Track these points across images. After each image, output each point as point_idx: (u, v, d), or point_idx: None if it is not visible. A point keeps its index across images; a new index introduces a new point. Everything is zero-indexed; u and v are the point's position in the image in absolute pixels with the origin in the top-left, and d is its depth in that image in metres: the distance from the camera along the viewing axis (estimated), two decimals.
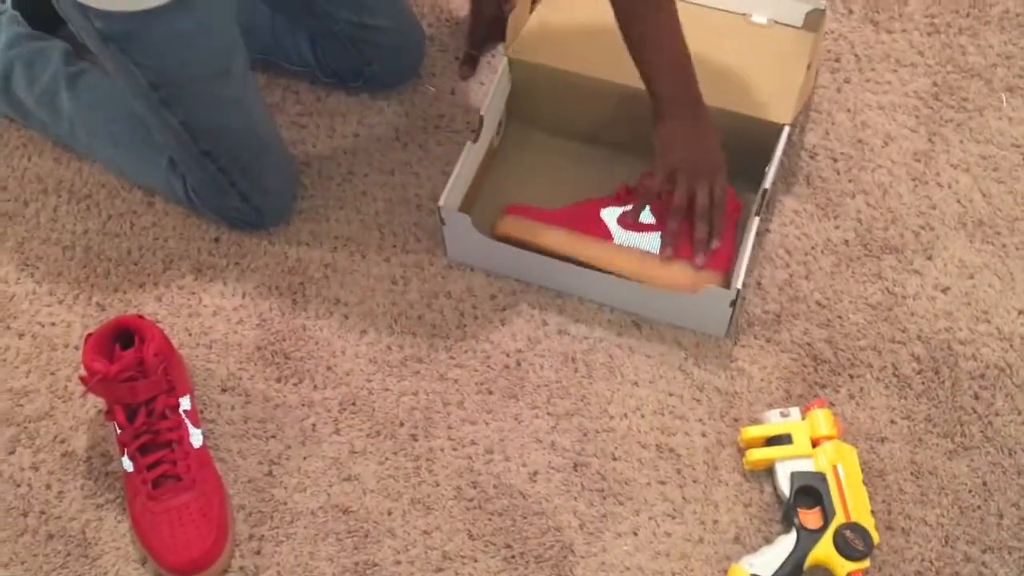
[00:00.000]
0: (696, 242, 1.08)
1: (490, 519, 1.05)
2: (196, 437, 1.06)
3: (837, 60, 1.31)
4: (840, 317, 1.14)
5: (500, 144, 1.26)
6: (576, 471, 1.07)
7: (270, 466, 1.08)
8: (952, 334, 1.12)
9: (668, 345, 1.13)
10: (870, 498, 1.03)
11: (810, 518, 1.00)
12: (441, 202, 1.11)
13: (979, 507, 1.03)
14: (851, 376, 1.11)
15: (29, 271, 1.22)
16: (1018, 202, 1.21)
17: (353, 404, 1.11)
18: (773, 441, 1.04)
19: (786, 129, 1.12)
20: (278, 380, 1.13)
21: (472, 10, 1.32)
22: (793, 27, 1.21)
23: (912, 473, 1.05)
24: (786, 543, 0.99)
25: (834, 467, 1.02)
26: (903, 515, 1.03)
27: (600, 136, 1.24)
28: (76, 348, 1.16)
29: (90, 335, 1.03)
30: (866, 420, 1.08)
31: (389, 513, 1.05)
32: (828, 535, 0.99)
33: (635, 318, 1.14)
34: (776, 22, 1.22)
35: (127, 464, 1.03)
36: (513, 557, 1.03)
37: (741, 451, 1.07)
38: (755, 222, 1.08)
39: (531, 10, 1.24)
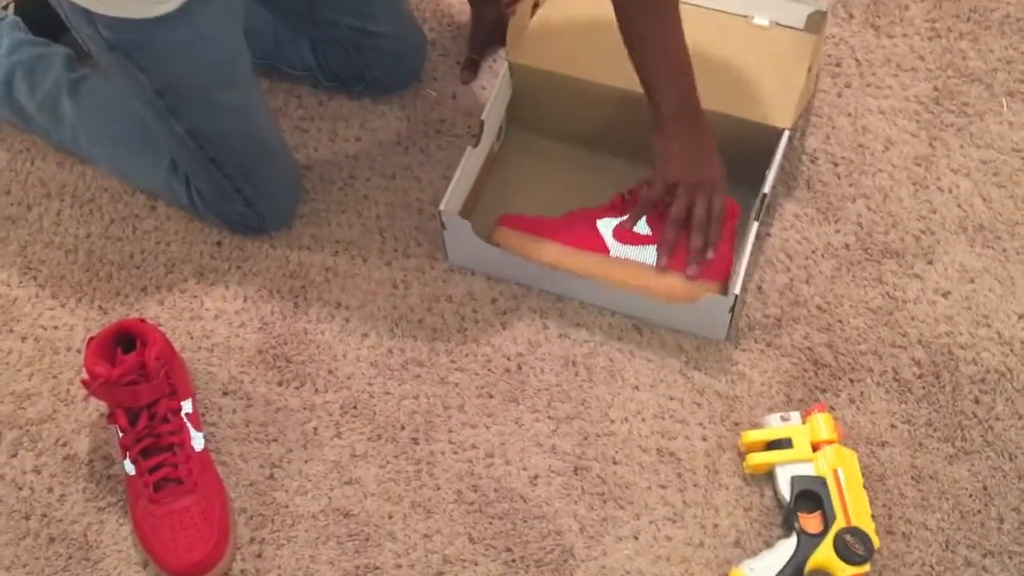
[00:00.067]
0: (691, 253, 1.08)
1: (491, 523, 1.05)
2: (198, 440, 1.06)
3: (838, 64, 1.31)
4: (841, 321, 1.14)
5: (501, 148, 1.26)
6: (577, 475, 1.07)
7: (271, 469, 1.09)
8: (953, 338, 1.12)
9: (669, 349, 1.13)
10: (871, 502, 1.03)
11: (810, 522, 1.00)
12: (442, 207, 1.12)
13: (980, 511, 1.03)
14: (852, 380, 1.11)
15: (32, 275, 1.22)
16: (1018, 207, 1.21)
17: (354, 408, 1.12)
18: (773, 445, 1.04)
19: (786, 133, 1.12)
20: (279, 384, 1.13)
21: (473, 15, 1.33)
22: (795, 29, 1.21)
23: (913, 477, 1.05)
24: (786, 547, 0.99)
25: (835, 471, 1.02)
26: (904, 519, 1.03)
27: (601, 140, 1.24)
28: (78, 351, 1.16)
29: (92, 339, 1.03)
30: (867, 424, 1.08)
31: (390, 517, 1.06)
32: (828, 539, 0.99)
33: (636, 322, 1.15)
34: (778, 24, 1.22)
35: (129, 467, 1.04)
36: (514, 561, 1.03)
37: (742, 455, 1.07)
38: (754, 227, 1.09)
39: (532, 14, 1.24)
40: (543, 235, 1.12)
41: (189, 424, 1.06)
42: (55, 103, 1.24)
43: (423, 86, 1.32)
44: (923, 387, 1.10)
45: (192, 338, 1.16)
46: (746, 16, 1.22)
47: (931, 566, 1.01)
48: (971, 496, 1.04)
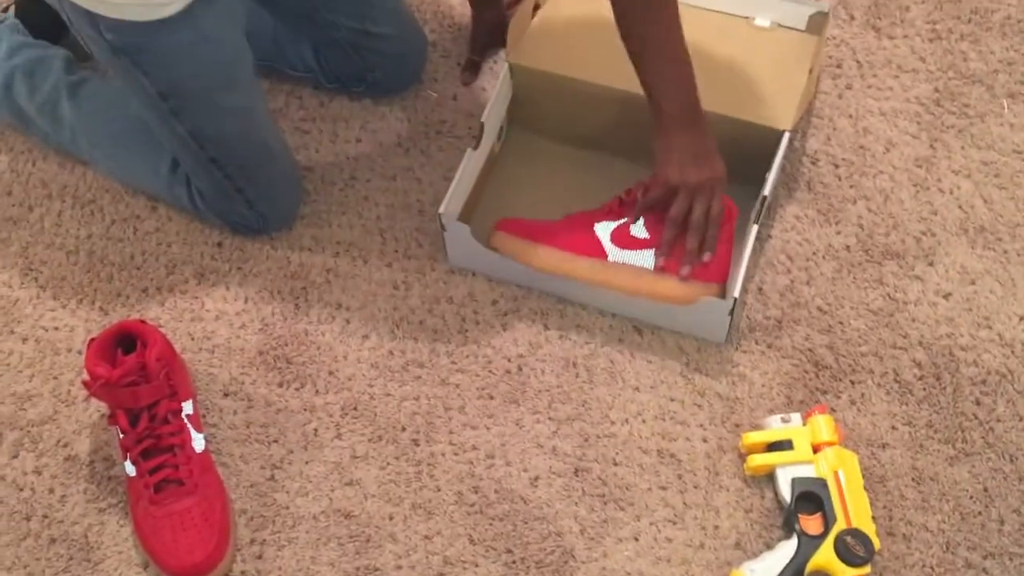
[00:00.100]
0: (686, 253, 1.07)
1: (491, 524, 1.05)
2: (198, 442, 1.06)
3: (839, 66, 1.31)
4: (841, 323, 1.14)
5: (501, 150, 1.26)
6: (577, 476, 1.07)
7: (272, 471, 1.09)
8: (953, 340, 1.12)
9: (669, 351, 1.13)
10: (871, 504, 1.03)
11: (811, 524, 1.00)
12: (441, 209, 1.12)
13: (980, 513, 1.03)
14: (852, 382, 1.11)
15: (33, 275, 1.22)
16: (1019, 208, 1.21)
17: (355, 409, 1.12)
18: (774, 447, 1.04)
19: (787, 135, 1.12)
20: (280, 385, 1.13)
21: (474, 16, 1.33)
22: (796, 30, 1.21)
23: (913, 479, 1.05)
24: (787, 549, 0.99)
25: (835, 473, 1.02)
26: (904, 521, 1.03)
27: (601, 142, 1.24)
28: (79, 353, 1.16)
29: (93, 340, 1.03)
30: (867, 426, 1.08)
31: (390, 518, 1.06)
32: (829, 541, 0.99)
33: (636, 324, 1.15)
34: (779, 25, 1.22)
35: (129, 468, 1.04)
36: (514, 562, 1.03)
37: (742, 457, 1.07)
38: (754, 230, 1.09)
39: (532, 16, 1.24)
40: (540, 240, 1.12)
41: (190, 425, 1.06)
42: (55, 106, 1.24)
43: (424, 87, 1.33)
44: (924, 389, 1.10)
45: (193, 339, 1.16)
46: (747, 17, 1.23)
47: (932, 568, 1.01)
48: (972, 498, 1.04)
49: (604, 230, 1.11)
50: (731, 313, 1.07)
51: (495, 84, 1.21)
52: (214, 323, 1.18)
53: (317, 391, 1.13)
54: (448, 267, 1.20)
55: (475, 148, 1.16)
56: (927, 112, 1.27)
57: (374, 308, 1.18)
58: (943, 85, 1.29)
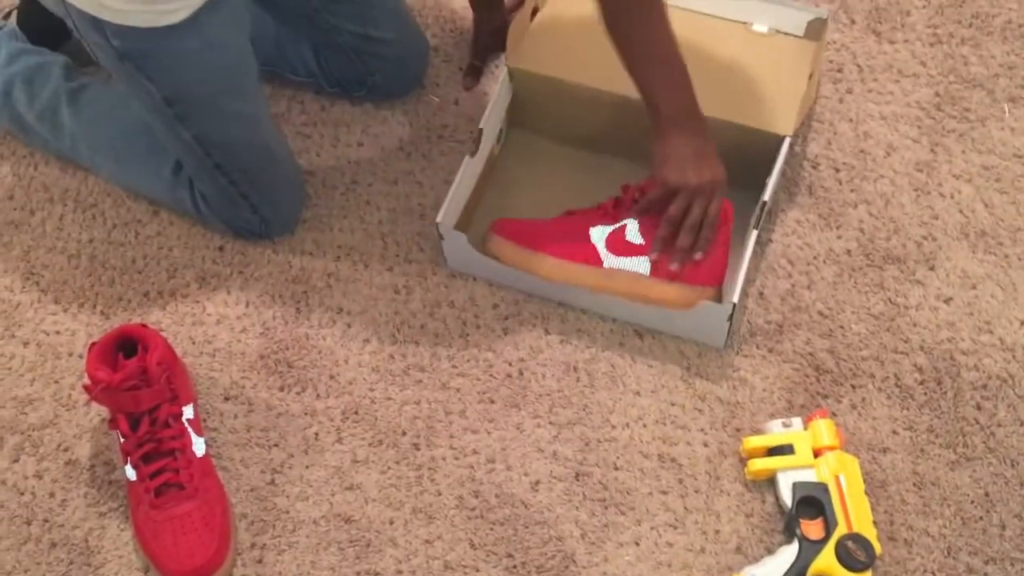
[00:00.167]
0: (677, 250, 1.06)
1: (492, 528, 1.05)
2: (199, 446, 1.06)
3: (839, 70, 1.31)
4: (842, 327, 1.14)
5: (501, 153, 1.26)
6: (578, 481, 1.07)
7: (272, 475, 1.09)
8: (954, 344, 1.12)
9: (670, 355, 1.13)
10: (872, 509, 1.03)
11: (812, 529, 1.00)
12: (439, 218, 1.11)
13: (981, 518, 1.03)
14: (853, 386, 1.11)
15: (34, 279, 1.22)
16: (1020, 212, 1.21)
17: (355, 413, 1.12)
18: (775, 451, 1.04)
19: (787, 140, 1.13)
20: (281, 389, 1.13)
21: (475, 20, 1.33)
22: (795, 36, 1.21)
23: (914, 484, 1.05)
24: (788, 553, 0.99)
25: (836, 477, 1.02)
26: (905, 526, 1.03)
27: (600, 144, 1.24)
28: (80, 357, 1.16)
29: (94, 344, 1.03)
30: (868, 430, 1.08)
31: (391, 522, 1.06)
32: (830, 546, 0.99)
33: (637, 328, 1.15)
34: (777, 31, 1.22)
35: (130, 473, 1.04)
36: (515, 567, 1.03)
37: (743, 461, 1.07)
38: (754, 234, 1.08)
39: (531, 20, 1.24)
40: (536, 247, 1.12)
41: (190, 429, 1.06)
42: (54, 112, 1.24)
43: (425, 92, 1.33)
44: (925, 393, 1.10)
45: (194, 343, 1.17)
46: (745, 23, 1.23)
47: (933, 573, 1.01)
48: (973, 502, 1.04)
49: (599, 236, 1.10)
50: (730, 318, 1.07)
51: (495, 88, 1.21)
52: (215, 327, 1.18)
53: (318, 395, 1.13)
54: (449, 271, 1.20)
55: (473, 154, 1.16)
56: (928, 116, 1.28)
57: (375, 312, 1.18)
58: (944, 89, 1.29)
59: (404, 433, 1.10)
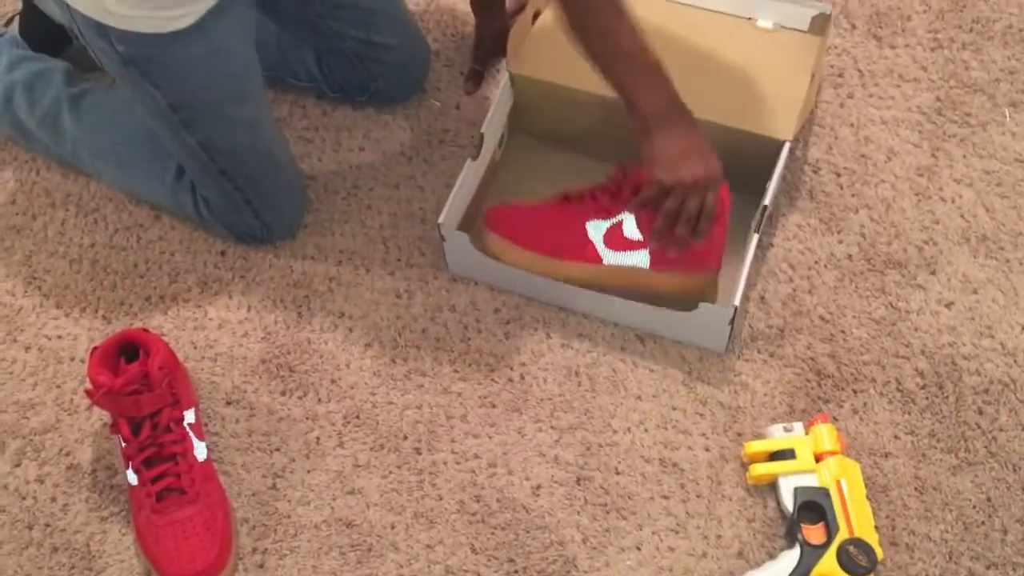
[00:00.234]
0: (677, 239, 1.05)
1: (493, 533, 1.05)
2: (200, 450, 1.06)
3: (840, 75, 1.32)
4: (843, 332, 1.14)
5: (502, 158, 1.26)
6: (579, 485, 1.07)
7: (274, 479, 1.09)
8: (956, 349, 1.12)
9: (671, 359, 1.13)
10: (874, 513, 1.02)
11: (814, 533, 1.00)
12: (441, 220, 1.12)
13: (983, 523, 1.03)
14: (854, 391, 1.11)
15: (36, 284, 1.22)
16: (1022, 217, 1.21)
17: (357, 417, 1.12)
18: (776, 456, 1.04)
19: (787, 145, 1.13)
20: (282, 393, 1.14)
21: (477, 25, 1.33)
22: (799, 31, 1.21)
23: (916, 488, 1.05)
24: (789, 558, 0.99)
25: (838, 482, 1.02)
26: (907, 531, 1.03)
27: (601, 149, 1.24)
28: (82, 361, 1.16)
29: (95, 348, 1.03)
30: (870, 435, 1.08)
31: (392, 527, 1.06)
32: (832, 551, 0.99)
33: (638, 332, 1.15)
34: (782, 26, 1.21)
35: (131, 477, 1.04)
36: (516, 572, 1.03)
37: (744, 466, 1.07)
38: (754, 238, 1.09)
39: (532, 24, 1.25)
40: (534, 248, 1.12)
41: (192, 434, 1.06)
42: (56, 118, 1.24)
43: (427, 96, 1.33)
44: (926, 398, 1.10)
45: (195, 348, 1.17)
46: (750, 18, 1.22)
47: None
48: (975, 507, 1.04)
49: (596, 231, 1.10)
50: (731, 322, 1.07)
51: (497, 93, 1.21)
52: (217, 332, 1.18)
53: (319, 399, 1.13)
54: (450, 275, 1.20)
55: (474, 158, 1.16)
56: (929, 121, 1.28)
57: (376, 317, 1.18)
58: (945, 94, 1.30)
59: (405, 437, 1.10)
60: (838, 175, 1.24)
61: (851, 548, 0.98)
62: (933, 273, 1.17)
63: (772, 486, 1.05)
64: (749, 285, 1.15)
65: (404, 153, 1.29)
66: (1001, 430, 1.08)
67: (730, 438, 1.08)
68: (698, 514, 1.05)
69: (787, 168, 1.20)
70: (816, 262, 1.19)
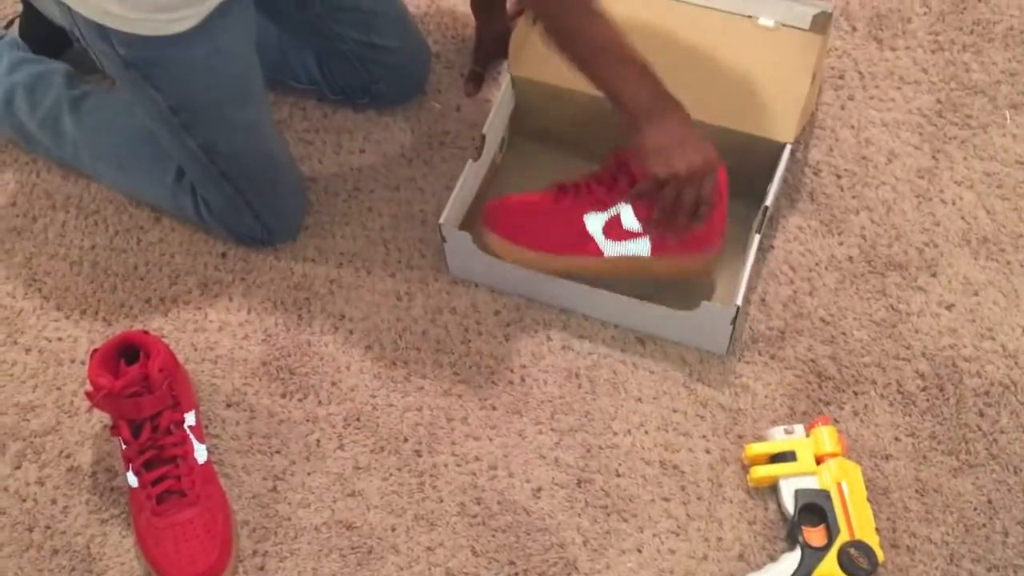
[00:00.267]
0: (676, 227, 1.04)
1: (494, 535, 1.05)
2: (201, 452, 1.06)
3: (841, 77, 1.32)
4: (844, 334, 1.14)
5: (503, 161, 1.26)
6: (580, 487, 1.07)
7: (274, 482, 1.09)
8: (957, 351, 1.12)
9: (672, 361, 1.13)
10: (875, 516, 1.02)
11: (814, 536, 1.00)
12: (442, 220, 1.12)
13: (984, 525, 1.03)
14: (855, 393, 1.10)
15: (37, 286, 1.22)
16: (1022, 219, 1.21)
17: (357, 420, 1.12)
18: (777, 458, 1.04)
19: (788, 147, 1.13)
20: (283, 395, 1.13)
21: (477, 27, 1.33)
22: (800, 29, 1.21)
23: (917, 491, 1.05)
24: (790, 561, 0.99)
25: (838, 484, 1.02)
26: (908, 533, 1.03)
27: (603, 152, 1.24)
28: (82, 363, 1.16)
29: (96, 350, 1.03)
30: (870, 437, 1.08)
31: (393, 529, 1.05)
32: (832, 553, 0.99)
33: (639, 334, 1.15)
34: (783, 25, 1.21)
35: (132, 479, 1.04)
36: (517, 574, 1.03)
37: (745, 468, 1.07)
38: (755, 239, 1.09)
39: (533, 26, 1.25)
40: (536, 246, 1.12)
41: (192, 436, 1.06)
42: (56, 120, 1.24)
43: (427, 98, 1.33)
44: (927, 400, 1.10)
45: (196, 350, 1.17)
46: (751, 17, 1.22)
47: None
48: (976, 510, 1.04)
49: (596, 225, 1.09)
50: (733, 322, 1.07)
51: (498, 95, 1.21)
52: (217, 334, 1.18)
53: (320, 402, 1.13)
54: (451, 277, 1.20)
55: (476, 159, 1.16)
56: (929, 123, 1.28)
57: (377, 319, 1.18)
58: (945, 96, 1.30)
59: (406, 440, 1.10)
60: (839, 177, 1.24)
61: (852, 550, 0.98)
62: (934, 275, 1.17)
63: (773, 488, 1.05)
64: (750, 287, 1.15)
65: (405, 155, 1.29)
66: (1002, 432, 1.08)
67: (731, 440, 1.08)
68: (699, 516, 1.05)
69: (788, 170, 1.20)
70: (817, 264, 1.19)
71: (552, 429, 1.10)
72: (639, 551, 1.03)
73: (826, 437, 1.04)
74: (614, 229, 1.09)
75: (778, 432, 1.06)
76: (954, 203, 1.22)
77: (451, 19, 1.39)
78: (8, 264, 1.24)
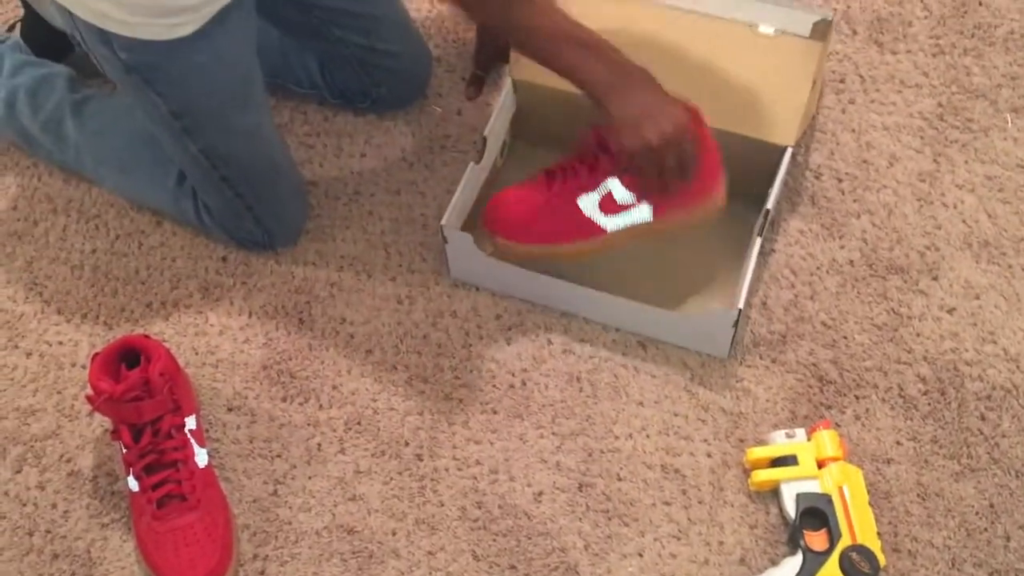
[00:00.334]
0: (667, 191, 1.03)
1: (495, 539, 1.04)
2: (201, 456, 1.06)
3: (842, 81, 1.32)
4: (846, 338, 1.14)
5: (504, 164, 1.26)
6: (581, 491, 1.07)
7: (275, 486, 1.09)
8: (958, 355, 1.12)
9: (673, 365, 1.13)
10: (876, 520, 1.02)
11: (816, 540, 1.00)
12: (443, 221, 1.12)
13: (986, 529, 1.03)
14: (857, 397, 1.10)
15: (37, 290, 1.22)
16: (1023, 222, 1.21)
17: (358, 423, 1.12)
18: (779, 462, 1.04)
19: (789, 151, 1.13)
20: (284, 399, 1.13)
21: (478, 31, 1.33)
22: (800, 37, 1.21)
23: (918, 495, 1.05)
24: (792, 565, 0.99)
25: (840, 489, 1.02)
26: (909, 537, 1.03)
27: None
28: (83, 367, 1.16)
29: (97, 354, 1.03)
30: (872, 441, 1.08)
31: (394, 533, 1.05)
32: (834, 557, 0.98)
33: (640, 338, 1.14)
34: (783, 32, 1.21)
35: (132, 484, 1.04)
36: None
37: (746, 472, 1.07)
38: (757, 243, 1.09)
39: None
40: (541, 240, 1.11)
41: (193, 440, 1.06)
42: (59, 124, 1.24)
43: (428, 102, 1.33)
44: (929, 404, 1.10)
45: (197, 354, 1.17)
46: (751, 24, 1.22)
47: None
48: (977, 514, 1.04)
49: (591, 205, 1.08)
50: (735, 326, 1.07)
51: (499, 98, 1.22)
52: (218, 338, 1.18)
53: (320, 406, 1.13)
54: (452, 281, 1.20)
55: (478, 162, 1.17)
56: (930, 127, 1.28)
57: (378, 322, 1.18)
58: (946, 100, 1.30)
59: (407, 444, 1.10)
60: (840, 181, 1.24)
61: (853, 555, 0.98)
62: (935, 279, 1.17)
63: (774, 492, 1.05)
64: (751, 291, 1.15)
65: (406, 159, 1.29)
66: (1004, 436, 1.07)
67: (732, 444, 1.08)
68: (700, 520, 1.04)
69: (789, 174, 1.20)
70: (818, 268, 1.18)
71: (553, 433, 1.10)
72: (640, 555, 1.03)
73: (827, 441, 1.04)
74: (609, 205, 1.08)
75: (779, 436, 1.05)
76: (955, 207, 1.22)
77: (452, 22, 1.39)
78: (9, 268, 1.24)
